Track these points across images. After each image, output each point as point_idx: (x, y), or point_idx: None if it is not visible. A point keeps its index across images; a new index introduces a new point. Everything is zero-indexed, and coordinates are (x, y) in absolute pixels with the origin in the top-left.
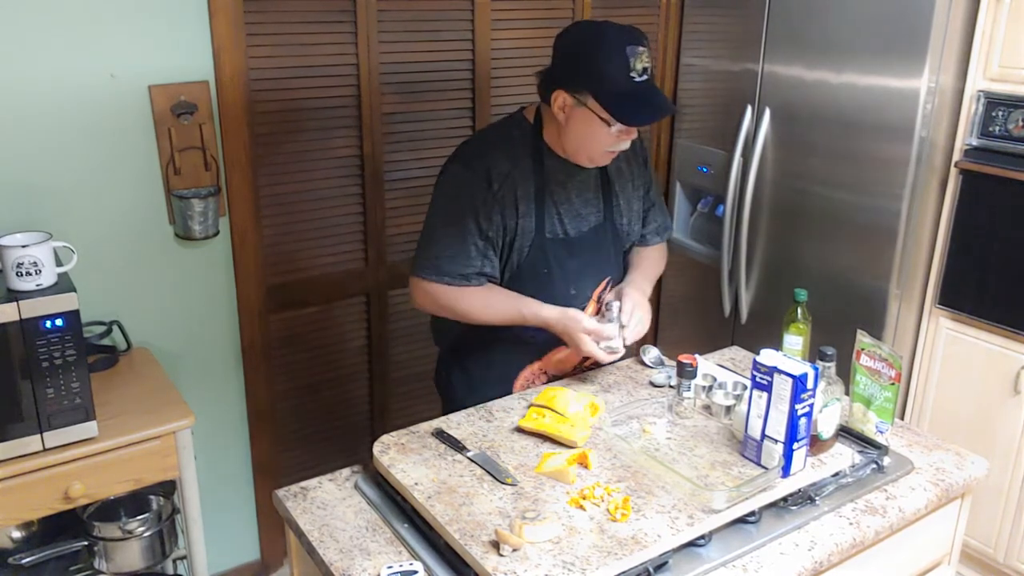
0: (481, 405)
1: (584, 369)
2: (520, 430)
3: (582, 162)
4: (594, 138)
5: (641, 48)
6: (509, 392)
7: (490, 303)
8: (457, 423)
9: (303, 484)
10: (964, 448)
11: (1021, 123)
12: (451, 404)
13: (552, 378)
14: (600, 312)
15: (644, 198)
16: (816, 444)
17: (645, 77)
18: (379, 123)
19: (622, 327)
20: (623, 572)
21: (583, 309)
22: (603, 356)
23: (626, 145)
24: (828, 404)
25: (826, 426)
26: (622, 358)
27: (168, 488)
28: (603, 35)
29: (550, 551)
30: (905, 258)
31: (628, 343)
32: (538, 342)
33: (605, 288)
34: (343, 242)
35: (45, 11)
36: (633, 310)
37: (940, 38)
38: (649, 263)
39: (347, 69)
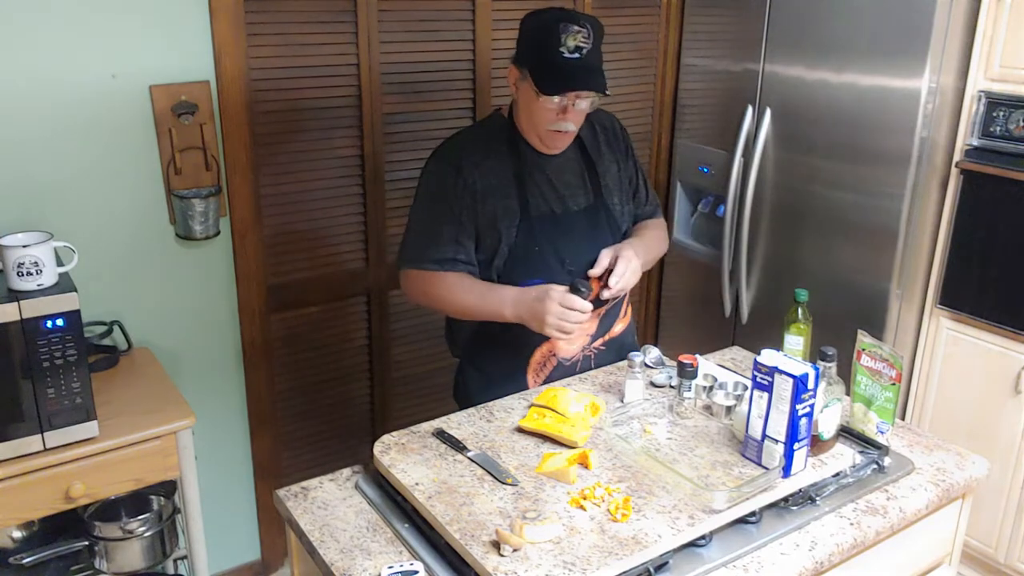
0: (482, 405)
1: (593, 353)
2: (521, 430)
3: (535, 143)
4: (534, 112)
5: (576, 28)
6: (524, 378)
7: (464, 286)
8: (458, 423)
9: (304, 484)
10: (965, 448)
11: (1022, 123)
12: (464, 405)
13: (562, 361)
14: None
15: (631, 181)
16: (817, 444)
17: (577, 55)
18: (380, 123)
19: (603, 284)
20: (624, 572)
21: None
22: (566, 322)
23: (570, 126)
24: (829, 404)
25: (827, 426)
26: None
27: (169, 488)
28: (546, 13)
29: (551, 551)
30: (906, 258)
31: (614, 291)
32: None
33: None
34: (344, 242)
35: (46, 11)
36: (620, 251)
37: (941, 38)
38: (642, 229)
39: (348, 69)
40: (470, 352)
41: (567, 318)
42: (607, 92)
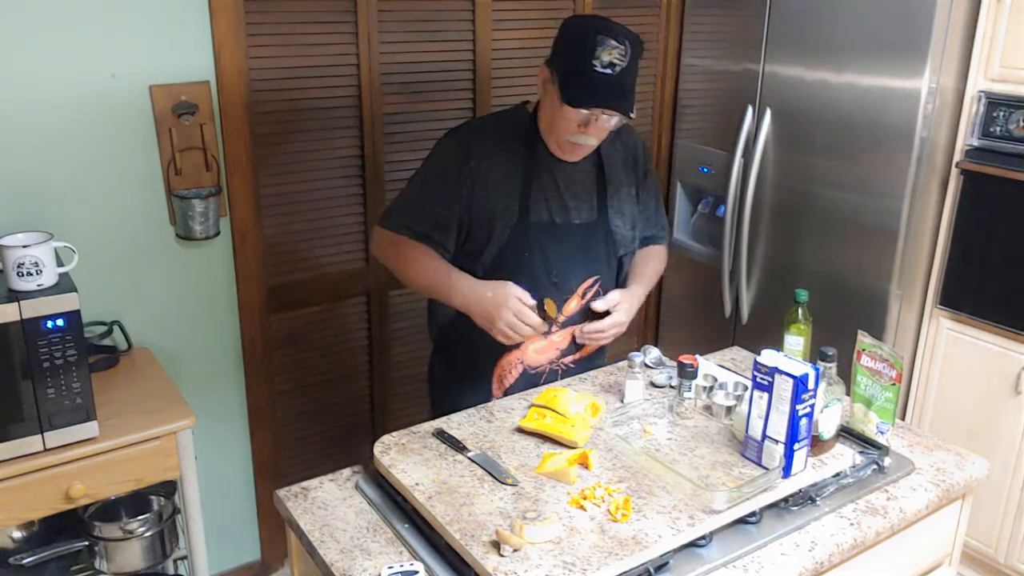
0: (482, 405)
1: (561, 368)
2: (521, 430)
3: (552, 147)
4: (557, 119)
5: (614, 43)
6: (489, 379)
7: (423, 260)
8: (458, 423)
9: (304, 484)
10: (965, 448)
11: (1022, 123)
12: (434, 393)
13: (527, 369)
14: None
15: (637, 205)
16: (817, 445)
17: (609, 71)
18: (380, 123)
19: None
20: (624, 572)
21: (565, 302)
22: (515, 333)
23: (591, 140)
24: (829, 405)
25: (827, 427)
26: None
27: (169, 488)
28: (587, 21)
29: (551, 551)
30: (906, 258)
31: (595, 330)
32: None
33: (592, 286)
34: (344, 242)
35: (46, 11)
36: (620, 301)
37: (941, 38)
38: (644, 261)
39: (348, 69)
40: (443, 340)
41: (517, 330)
42: (632, 115)
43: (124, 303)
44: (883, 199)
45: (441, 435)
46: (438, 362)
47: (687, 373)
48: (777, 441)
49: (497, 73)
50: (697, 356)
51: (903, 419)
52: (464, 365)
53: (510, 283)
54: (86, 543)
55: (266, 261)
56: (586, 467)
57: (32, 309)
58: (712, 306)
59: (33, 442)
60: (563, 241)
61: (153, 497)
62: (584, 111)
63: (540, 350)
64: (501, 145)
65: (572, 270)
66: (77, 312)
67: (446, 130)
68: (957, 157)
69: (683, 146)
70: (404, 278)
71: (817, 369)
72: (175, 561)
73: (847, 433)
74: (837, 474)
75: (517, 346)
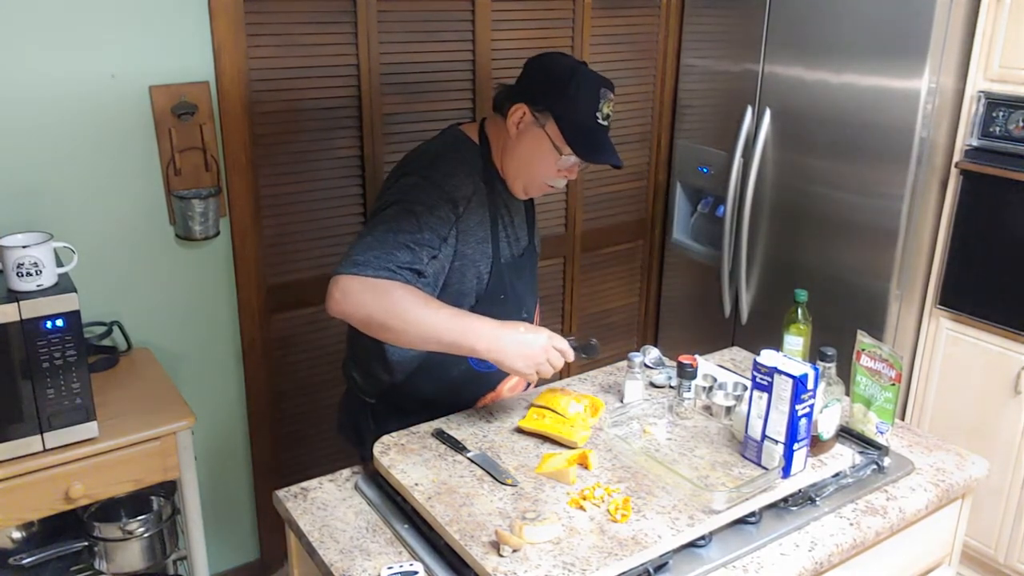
0: (481, 406)
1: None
2: (520, 430)
3: (516, 190)
4: (539, 163)
5: (612, 95)
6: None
7: (431, 302)
8: (457, 423)
9: (303, 484)
10: (964, 448)
11: (1021, 124)
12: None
13: None
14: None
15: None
16: (816, 445)
17: (606, 123)
18: (380, 124)
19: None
20: (623, 573)
21: None
22: (552, 368)
23: (562, 183)
24: (828, 405)
25: (826, 427)
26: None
27: (168, 488)
28: (579, 69)
29: (550, 552)
30: (906, 258)
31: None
32: (492, 372)
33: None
34: (343, 242)
35: (45, 11)
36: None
37: (940, 39)
38: None
39: (348, 69)
40: (410, 387)
41: (556, 368)
42: (622, 166)
43: (124, 303)
44: (883, 199)
45: (441, 435)
46: (373, 416)
47: (687, 373)
48: (777, 441)
49: (497, 74)
50: (697, 356)
51: (903, 419)
52: (426, 412)
53: (526, 323)
54: (86, 543)
55: (266, 261)
56: (586, 467)
57: (32, 309)
58: (712, 306)
59: (33, 442)
60: (520, 274)
61: (153, 497)
62: (578, 160)
63: (513, 387)
64: (475, 188)
65: (529, 300)
66: (77, 312)
67: (401, 162)
68: (957, 157)
69: (683, 146)
70: (398, 328)
71: (816, 369)
72: (175, 561)
73: (847, 433)
74: (837, 474)
75: (493, 388)
